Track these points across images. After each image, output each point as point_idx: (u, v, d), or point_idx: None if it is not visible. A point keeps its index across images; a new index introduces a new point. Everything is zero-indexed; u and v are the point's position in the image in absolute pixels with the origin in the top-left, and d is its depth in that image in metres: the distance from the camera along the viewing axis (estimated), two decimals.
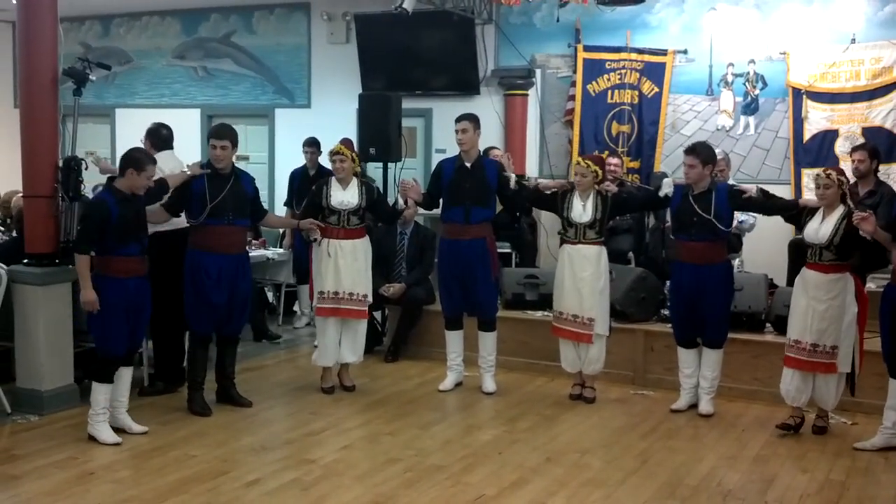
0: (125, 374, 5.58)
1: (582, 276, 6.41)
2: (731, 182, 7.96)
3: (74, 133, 6.23)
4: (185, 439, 5.58)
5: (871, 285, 7.23)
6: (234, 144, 6.09)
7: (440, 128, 10.55)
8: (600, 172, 6.46)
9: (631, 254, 8.38)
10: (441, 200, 6.82)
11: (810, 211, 5.87)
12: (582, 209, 6.41)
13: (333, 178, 6.60)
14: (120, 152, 12.23)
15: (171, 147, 6.75)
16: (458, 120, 6.70)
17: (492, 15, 10.05)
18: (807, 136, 8.89)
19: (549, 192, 6.68)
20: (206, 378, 6.20)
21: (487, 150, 8.95)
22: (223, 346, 6.31)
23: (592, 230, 6.42)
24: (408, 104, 9.24)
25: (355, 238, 6.58)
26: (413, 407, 6.47)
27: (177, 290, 6.12)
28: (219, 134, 6.08)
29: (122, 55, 12.41)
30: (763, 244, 8.08)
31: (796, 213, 6.01)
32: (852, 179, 7.44)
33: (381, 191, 7.55)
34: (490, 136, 10.03)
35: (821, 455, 5.51)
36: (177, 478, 4.92)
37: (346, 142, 6.78)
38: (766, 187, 6.55)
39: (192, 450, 5.38)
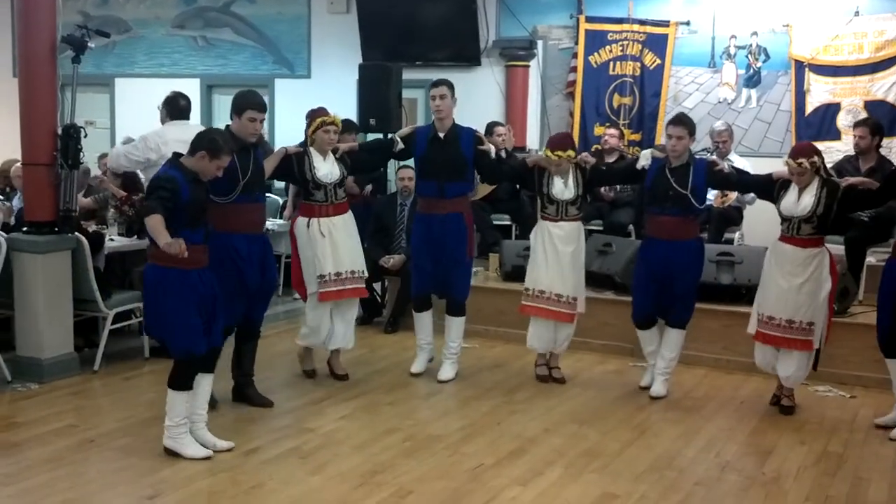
0: (203, 382, 4.89)
1: (565, 253, 6.19)
2: (732, 155, 8.00)
3: (73, 101, 6.20)
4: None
5: (871, 259, 7.26)
6: None
7: None
8: (573, 154, 6.18)
9: (631, 226, 8.37)
10: (415, 171, 6.53)
11: (783, 184, 5.72)
12: (563, 186, 6.18)
13: (313, 150, 6.02)
14: (119, 121, 12.29)
15: (186, 118, 6.60)
16: (435, 84, 6.24)
17: None
18: (809, 109, 8.87)
19: (531, 166, 6.39)
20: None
21: (491, 125, 8.94)
22: (243, 338, 5.73)
23: (574, 206, 6.22)
24: (408, 75, 9.21)
25: (344, 213, 6.14)
26: (413, 379, 6.47)
27: None
28: (262, 105, 5.46)
29: (121, 24, 12.35)
30: (763, 217, 8.00)
31: (769, 189, 5.82)
32: (852, 152, 7.46)
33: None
34: (491, 108, 10.03)
35: (819, 427, 5.53)
36: None
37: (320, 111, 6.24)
38: (767, 161, 6.52)
39: None
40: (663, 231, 5.94)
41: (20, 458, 4.72)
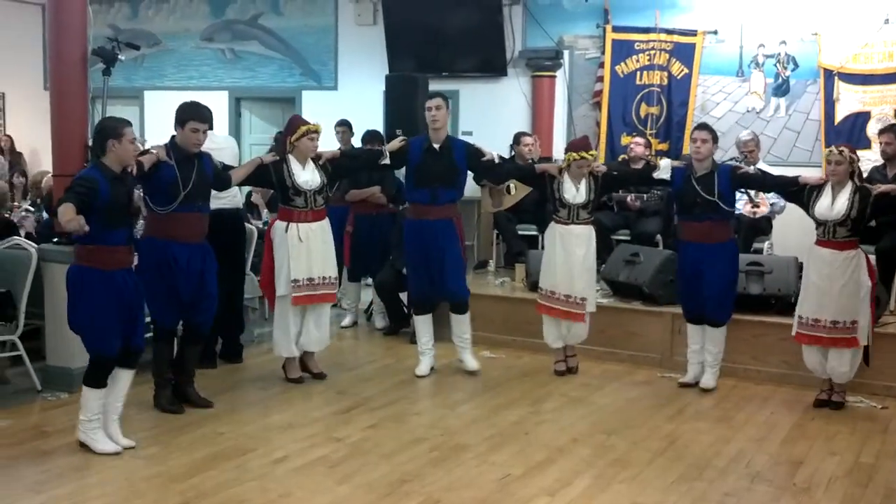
0: (123, 377, 5.03)
1: (576, 256, 6.45)
2: (760, 164, 7.95)
3: (104, 113, 6.26)
4: (213, 416, 5.62)
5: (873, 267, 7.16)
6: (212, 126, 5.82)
7: (467, 109, 10.55)
8: (594, 154, 6.59)
9: (659, 236, 8.32)
10: (406, 179, 6.67)
11: (816, 189, 5.87)
12: (575, 190, 6.44)
13: (291, 157, 6.19)
14: (149, 134, 12.39)
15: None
16: (431, 97, 6.54)
17: None
18: (838, 118, 8.80)
19: (539, 172, 6.68)
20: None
21: (518, 136, 8.95)
22: (187, 342, 5.84)
23: (585, 210, 6.48)
24: (434, 86, 9.22)
25: (321, 219, 6.32)
26: (439, 387, 6.49)
27: (234, 267, 6.31)
28: (204, 116, 5.59)
29: (150, 37, 12.48)
30: (793, 227, 7.98)
31: (797, 191, 6.02)
32: (880, 161, 7.40)
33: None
34: (517, 118, 10.04)
35: (850, 438, 5.47)
36: (205, 454, 4.96)
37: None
38: (796, 170, 6.58)
39: (221, 427, 5.42)
40: (696, 235, 6.22)
41: (51, 467, 4.76)
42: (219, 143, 6.51)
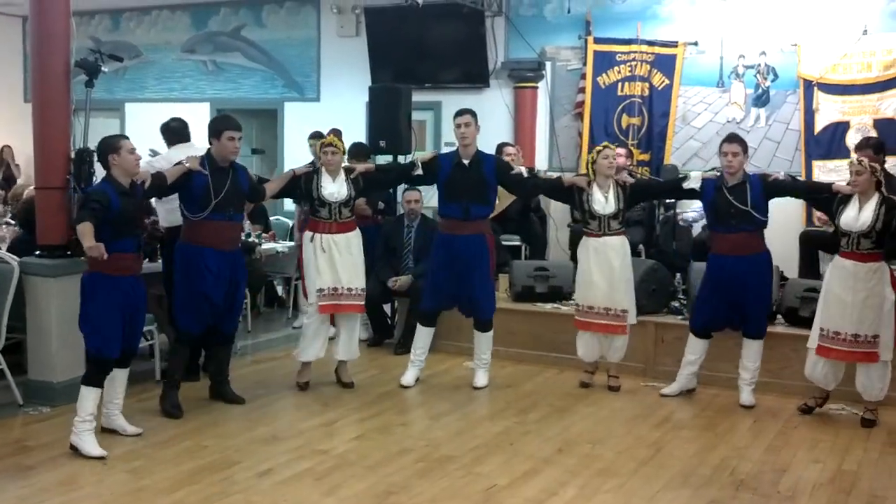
0: (120, 376, 5.34)
1: (612, 268, 6.44)
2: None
3: (87, 125, 6.23)
4: (197, 430, 5.60)
5: None
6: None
7: (450, 121, 10.43)
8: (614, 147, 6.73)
9: (641, 246, 8.37)
10: (438, 194, 6.72)
11: (843, 199, 5.84)
12: (605, 200, 6.43)
13: (323, 170, 6.42)
14: None
15: (186, 139, 6.80)
16: (460, 113, 6.55)
17: (502, 7, 10.08)
18: (818, 127, 8.87)
19: (567, 185, 6.66)
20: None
21: (500, 146, 8.98)
22: (219, 344, 6.18)
23: (616, 220, 6.46)
24: (417, 97, 9.23)
25: (348, 231, 6.45)
26: (424, 398, 6.49)
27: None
28: (238, 125, 5.93)
29: (131, 49, 12.46)
30: (773, 236, 7.95)
31: (827, 198, 5.99)
32: None
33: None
34: (500, 129, 10.06)
35: (833, 445, 5.50)
36: (190, 467, 4.94)
37: (336, 132, 6.82)
38: (795, 177, 6.60)
39: (205, 440, 5.40)
40: (731, 247, 6.15)
41: (34, 481, 4.72)
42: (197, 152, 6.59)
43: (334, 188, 6.36)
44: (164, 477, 4.80)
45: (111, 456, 5.06)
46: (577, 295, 6.68)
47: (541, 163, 10.00)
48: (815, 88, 8.83)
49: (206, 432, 5.56)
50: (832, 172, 8.64)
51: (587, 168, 6.65)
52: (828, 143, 8.78)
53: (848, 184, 5.81)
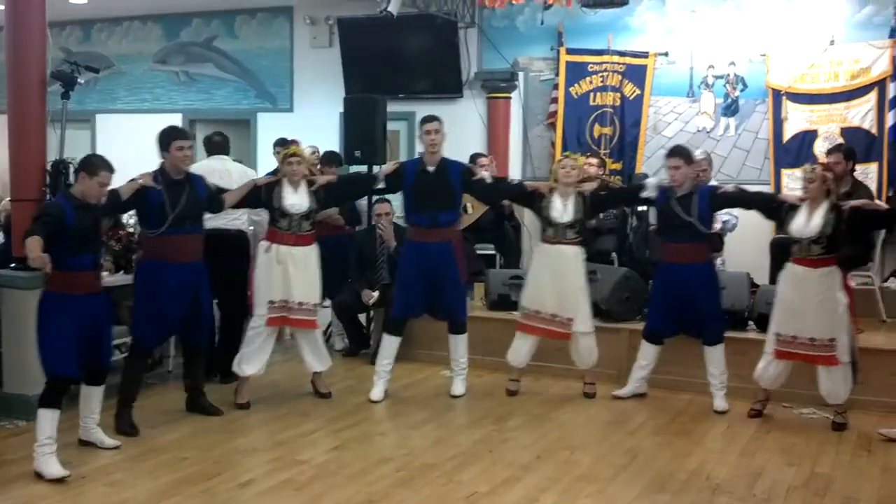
0: (94, 393, 5.29)
1: (563, 276, 6.49)
2: (713, 182, 8.12)
3: (63, 136, 6.23)
4: (176, 442, 5.59)
5: (850, 283, 7.34)
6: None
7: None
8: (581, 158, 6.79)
9: (614, 254, 8.45)
10: (404, 202, 6.71)
11: (791, 207, 5.99)
12: (563, 209, 6.49)
13: (285, 181, 6.33)
14: None
15: (225, 153, 7.04)
16: (428, 120, 6.56)
17: (475, 18, 10.13)
18: (786, 136, 8.99)
19: (531, 190, 6.75)
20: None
21: (474, 156, 9.04)
22: (191, 356, 6.17)
23: (572, 230, 6.51)
24: (391, 107, 9.27)
25: (306, 244, 6.35)
26: (402, 407, 6.51)
27: (234, 288, 6.51)
28: (186, 134, 5.90)
29: (102, 60, 12.34)
30: (744, 244, 8.17)
31: (775, 208, 6.16)
32: None
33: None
34: (473, 139, 10.13)
35: (806, 449, 5.60)
36: (170, 479, 4.93)
37: (294, 144, 6.80)
38: (747, 188, 6.74)
39: (184, 452, 5.39)
40: (677, 256, 6.29)
41: (13, 496, 4.69)
42: (228, 167, 6.91)
43: (296, 199, 6.29)
44: (144, 490, 4.79)
45: (90, 469, 5.05)
46: (524, 298, 6.69)
47: (514, 172, 10.05)
48: (784, 98, 8.96)
49: (186, 444, 5.55)
50: (800, 180, 8.77)
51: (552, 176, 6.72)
52: (796, 151, 8.90)
53: (801, 189, 5.97)
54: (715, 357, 6.40)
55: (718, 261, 8.07)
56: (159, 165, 5.85)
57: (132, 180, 5.72)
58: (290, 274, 6.25)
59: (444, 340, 7.04)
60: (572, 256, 6.53)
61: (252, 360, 6.35)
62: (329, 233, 8.00)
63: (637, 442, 5.71)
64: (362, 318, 8.31)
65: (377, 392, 6.63)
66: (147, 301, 5.77)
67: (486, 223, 8.74)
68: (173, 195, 5.72)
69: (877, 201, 6.21)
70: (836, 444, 5.70)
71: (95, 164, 5.07)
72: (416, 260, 6.56)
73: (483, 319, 7.56)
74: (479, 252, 8.78)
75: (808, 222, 5.83)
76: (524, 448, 5.56)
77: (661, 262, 6.51)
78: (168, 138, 5.79)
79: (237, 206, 6.48)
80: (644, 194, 6.56)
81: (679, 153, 6.33)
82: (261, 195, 6.32)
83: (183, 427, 5.87)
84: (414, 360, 7.65)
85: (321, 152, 8.60)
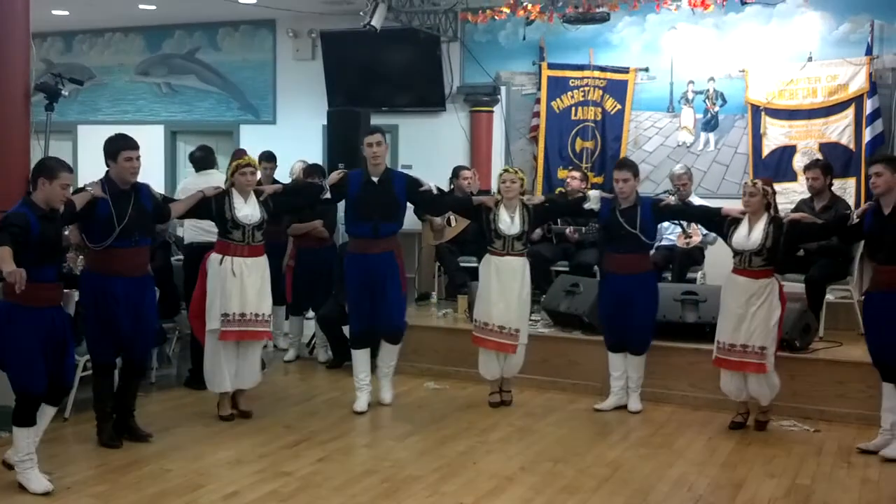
0: (46, 413, 5.01)
1: (510, 288, 6.54)
2: (693, 197, 8.22)
3: (46, 148, 6.22)
4: (159, 453, 5.57)
5: (829, 297, 7.47)
6: None
7: (407, 144, 10.68)
8: (525, 180, 6.77)
9: (596, 267, 8.49)
10: (346, 213, 6.65)
11: (734, 221, 6.16)
12: (510, 221, 6.55)
13: (234, 191, 6.20)
14: (82, 169, 12.25)
15: (211, 167, 7.10)
16: (370, 132, 6.55)
17: (457, 33, 10.19)
18: (765, 151, 9.10)
19: (476, 204, 6.80)
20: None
21: (457, 169, 9.11)
22: (128, 376, 5.82)
23: (520, 242, 6.59)
24: (374, 121, 9.33)
25: (258, 255, 6.26)
26: (386, 419, 6.54)
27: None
28: (135, 144, 5.58)
29: (84, 71, 12.34)
30: (724, 257, 8.18)
31: (718, 221, 6.32)
32: (808, 195, 7.71)
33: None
34: (456, 152, 10.19)
35: (787, 460, 5.66)
36: (154, 492, 4.92)
37: (239, 153, 6.68)
38: (726, 202, 6.90)
39: (168, 464, 5.38)
40: (619, 267, 6.45)
41: None
42: (218, 181, 6.76)
43: (248, 210, 6.19)
44: (129, 502, 4.78)
45: (74, 481, 5.03)
46: (475, 311, 6.76)
47: (497, 185, 10.08)
48: (763, 113, 9.07)
49: (169, 456, 5.53)
50: (779, 195, 8.77)
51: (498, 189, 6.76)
52: (775, 166, 9.01)
53: (742, 205, 6.10)
54: (636, 363, 6.59)
55: (699, 274, 8.17)
56: (105, 175, 5.60)
57: (80, 189, 5.53)
58: (246, 286, 6.16)
59: (426, 351, 7.09)
60: (520, 268, 6.59)
61: (214, 379, 6.30)
62: (313, 245, 8.05)
63: (619, 454, 5.76)
64: (346, 330, 8.29)
65: (361, 403, 6.64)
66: (97, 316, 5.55)
67: (470, 236, 8.76)
68: (120, 207, 5.49)
69: (806, 215, 6.39)
70: (816, 455, 5.76)
71: (53, 167, 4.86)
72: (358, 272, 6.52)
73: (466, 332, 7.54)
74: (462, 265, 8.81)
75: (749, 235, 6.02)
76: (508, 459, 5.59)
77: (606, 273, 6.68)
78: (116, 147, 5.53)
79: (184, 216, 6.38)
80: (587, 206, 6.65)
81: (628, 166, 6.50)
82: (210, 206, 6.16)
83: (166, 439, 5.86)
84: (397, 372, 7.62)
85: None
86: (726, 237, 6.20)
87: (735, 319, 6.05)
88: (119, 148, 5.53)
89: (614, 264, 6.52)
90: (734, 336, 6.05)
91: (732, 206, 6.40)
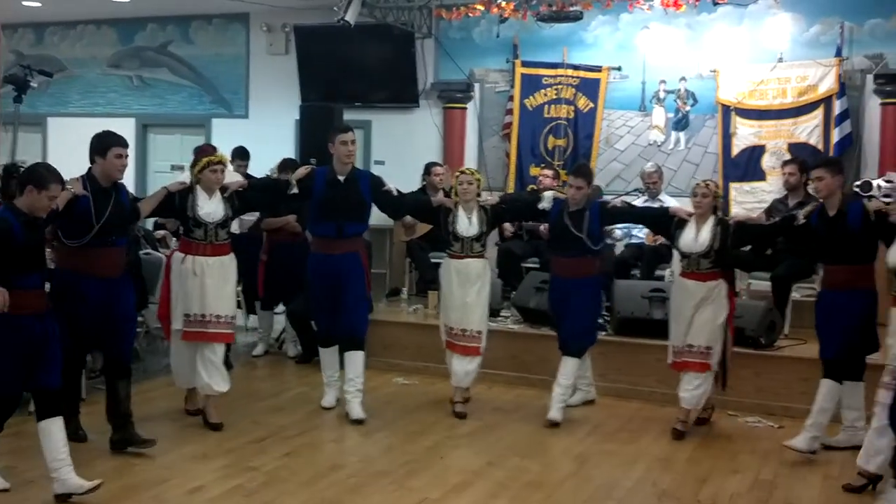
0: (55, 427, 4.72)
1: (471, 291, 6.44)
2: (662, 196, 8.29)
3: (15, 140, 6.17)
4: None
5: (795, 295, 7.55)
6: None
7: (380, 139, 10.69)
8: (482, 181, 6.65)
9: None
10: (310, 212, 6.53)
11: (679, 223, 6.14)
12: (468, 223, 6.45)
13: (199, 188, 5.97)
14: (52, 162, 12.16)
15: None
16: (345, 130, 6.35)
17: (431, 29, 10.20)
18: (735, 151, 9.18)
19: (435, 206, 6.71)
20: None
21: (429, 165, 9.12)
22: (113, 377, 5.53)
23: (478, 243, 6.50)
24: (347, 116, 9.34)
25: (222, 255, 6.02)
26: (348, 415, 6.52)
27: None
28: (126, 142, 5.45)
29: (55, 63, 12.26)
30: None
31: (664, 223, 6.32)
32: (783, 192, 7.80)
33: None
34: (429, 149, 10.20)
35: (750, 456, 5.72)
36: (120, 485, 4.91)
37: (208, 148, 6.35)
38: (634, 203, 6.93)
39: (133, 458, 5.36)
40: (564, 270, 6.41)
41: None
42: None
43: (211, 208, 5.95)
44: (94, 495, 4.73)
45: (37, 475, 4.97)
46: (441, 316, 6.65)
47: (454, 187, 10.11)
48: (733, 113, 9.15)
49: (135, 450, 5.48)
50: (748, 194, 9.01)
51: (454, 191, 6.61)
52: (744, 165, 9.10)
53: (693, 206, 6.09)
54: (568, 368, 6.36)
55: (667, 272, 8.24)
56: (87, 171, 5.42)
57: (66, 189, 5.11)
58: (206, 287, 5.93)
59: (395, 347, 7.09)
60: (480, 269, 6.50)
61: (181, 374, 6.22)
62: (286, 240, 8.03)
63: (585, 448, 5.80)
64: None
65: (329, 399, 6.62)
66: (63, 314, 5.13)
67: (441, 232, 8.76)
68: (100, 204, 5.29)
69: (752, 216, 6.47)
70: (779, 452, 5.80)
71: (44, 178, 4.62)
72: (321, 273, 6.33)
73: (437, 328, 7.52)
74: (433, 261, 8.81)
75: (696, 237, 6.00)
76: (475, 454, 5.62)
77: (551, 276, 6.64)
78: (106, 144, 5.36)
79: (150, 215, 6.17)
80: (541, 206, 6.58)
81: (584, 174, 6.45)
82: (173, 203, 5.94)
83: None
84: (366, 368, 7.64)
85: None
86: (672, 239, 6.19)
87: (686, 323, 6.05)
88: (110, 144, 5.36)
89: (558, 267, 6.49)
90: (684, 338, 6.05)
91: (678, 206, 6.42)
